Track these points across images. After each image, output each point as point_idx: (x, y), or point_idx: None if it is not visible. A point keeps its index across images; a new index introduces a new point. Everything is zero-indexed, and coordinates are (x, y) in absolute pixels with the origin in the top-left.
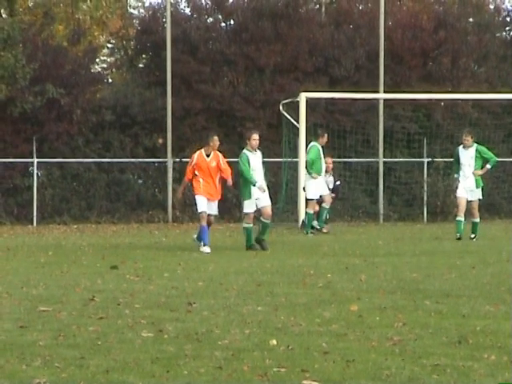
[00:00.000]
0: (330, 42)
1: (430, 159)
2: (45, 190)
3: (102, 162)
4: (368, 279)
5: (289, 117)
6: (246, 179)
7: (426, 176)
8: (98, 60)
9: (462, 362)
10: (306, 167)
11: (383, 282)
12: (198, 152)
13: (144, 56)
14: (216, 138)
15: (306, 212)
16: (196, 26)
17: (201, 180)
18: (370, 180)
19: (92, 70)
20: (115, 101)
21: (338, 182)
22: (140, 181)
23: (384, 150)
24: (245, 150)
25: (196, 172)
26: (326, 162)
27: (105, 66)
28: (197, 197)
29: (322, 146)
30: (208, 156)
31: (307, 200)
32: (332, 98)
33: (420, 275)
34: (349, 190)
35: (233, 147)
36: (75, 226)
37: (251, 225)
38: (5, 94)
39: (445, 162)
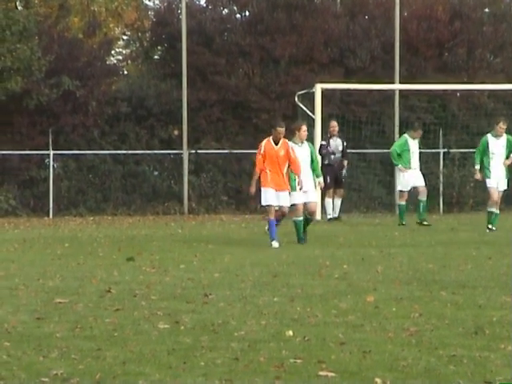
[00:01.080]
0: (346, 32)
1: (445, 150)
2: (61, 182)
3: (118, 154)
4: (384, 270)
5: (304, 108)
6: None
7: (441, 167)
8: (113, 52)
9: (478, 353)
10: (391, 159)
11: (399, 272)
12: (265, 140)
13: (159, 48)
14: (282, 124)
15: (398, 204)
16: (211, 17)
17: (268, 171)
18: (385, 171)
19: (107, 62)
20: (131, 93)
21: (344, 171)
22: (156, 172)
23: None
24: (290, 142)
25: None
26: (330, 126)
27: (120, 57)
28: (263, 189)
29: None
30: (276, 144)
31: (399, 191)
32: (347, 89)
33: (436, 266)
34: (364, 181)
35: (248, 138)
36: (91, 218)
37: (301, 218)
38: (20, 86)
39: (460, 152)
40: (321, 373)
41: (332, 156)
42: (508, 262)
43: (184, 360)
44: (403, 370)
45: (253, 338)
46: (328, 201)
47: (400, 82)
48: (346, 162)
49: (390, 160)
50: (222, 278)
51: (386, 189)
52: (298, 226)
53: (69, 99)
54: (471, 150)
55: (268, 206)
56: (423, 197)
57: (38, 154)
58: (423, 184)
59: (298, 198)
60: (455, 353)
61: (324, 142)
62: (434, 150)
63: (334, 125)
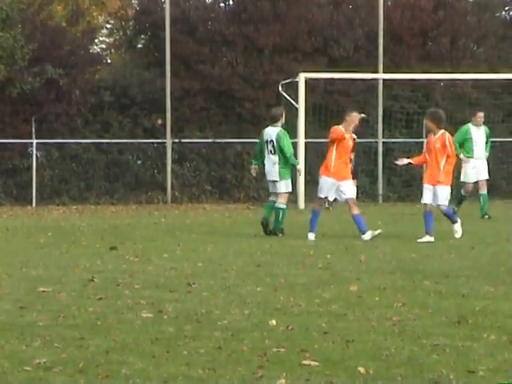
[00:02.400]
0: (329, 22)
1: None
2: (44, 171)
3: (101, 143)
4: (367, 260)
5: (288, 97)
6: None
7: None
8: (96, 40)
9: (461, 342)
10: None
11: (382, 262)
12: (338, 127)
13: (143, 36)
14: (355, 114)
15: (461, 195)
16: (195, 6)
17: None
18: (369, 160)
19: (91, 51)
20: (114, 81)
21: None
22: (139, 161)
23: (383, 131)
24: (280, 128)
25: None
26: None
27: (104, 46)
28: (323, 179)
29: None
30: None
31: (462, 182)
32: (331, 79)
33: (419, 255)
34: None
35: (232, 128)
36: (74, 207)
37: (284, 206)
38: (3, 74)
39: None
40: (304, 362)
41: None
42: (491, 252)
43: (167, 349)
44: (386, 359)
45: (236, 328)
46: None
47: (384, 72)
48: (352, 155)
49: (373, 149)
50: (205, 267)
51: (369, 178)
52: (281, 213)
53: (52, 88)
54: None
55: (320, 198)
56: (483, 190)
57: (20, 143)
58: (485, 177)
59: (289, 186)
60: (438, 342)
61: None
62: (417, 140)
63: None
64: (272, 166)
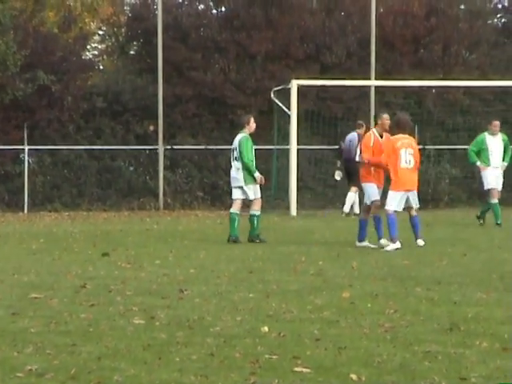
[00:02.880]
0: (322, 28)
1: (421, 146)
2: (36, 177)
3: (93, 149)
4: (360, 266)
5: (280, 104)
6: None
7: None
8: (88, 47)
9: (453, 349)
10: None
11: (375, 269)
12: (370, 133)
13: (135, 43)
14: (385, 116)
15: (491, 202)
16: (187, 12)
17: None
18: None
19: (83, 57)
20: (106, 88)
21: None
22: (131, 168)
23: None
24: (244, 134)
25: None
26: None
27: (96, 52)
28: (367, 185)
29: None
30: (381, 137)
31: (488, 190)
32: (323, 85)
33: (411, 262)
34: (341, 178)
35: (224, 134)
36: (66, 213)
37: (259, 212)
38: None
39: (436, 149)
40: (296, 369)
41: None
42: (483, 259)
43: (159, 355)
44: (378, 366)
45: (228, 334)
46: (351, 195)
47: (376, 78)
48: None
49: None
50: (197, 273)
51: None
52: (255, 220)
53: (44, 94)
54: (446, 147)
55: (374, 201)
56: (494, 200)
57: (12, 149)
58: (499, 187)
59: (258, 192)
60: (430, 349)
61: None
62: None
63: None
64: (236, 172)
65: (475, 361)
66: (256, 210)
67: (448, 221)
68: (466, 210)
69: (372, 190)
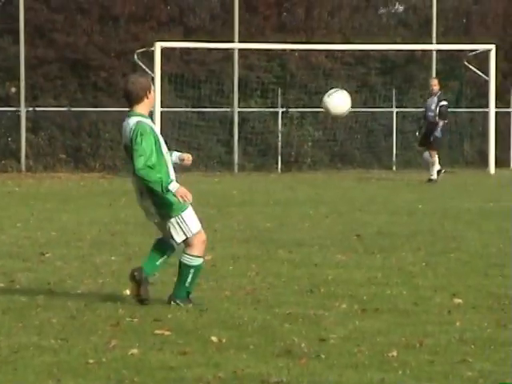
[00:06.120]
0: None
1: (284, 109)
2: None
3: None
4: (222, 229)
5: (144, 66)
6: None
7: (280, 126)
8: None
9: (313, 311)
10: None
11: (237, 231)
12: None
13: None
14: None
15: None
16: None
17: None
18: (224, 130)
19: None
20: None
21: (441, 103)
22: None
23: (239, 100)
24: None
25: None
26: (430, 85)
27: None
28: None
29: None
30: None
31: None
32: (187, 48)
33: (273, 225)
34: (204, 140)
35: (87, 97)
36: None
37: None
38: None
39: (299, 111)
40: (157, 331)
41: (428, 113)
42: (344, 221)
43: (19, 319)
44: (239, 328)
45: (89, 297)
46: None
47: (239, 41)
48: (441, 123)
49: (229, 119)
50: (59, 236)
51: (224, 148)
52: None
53: None
54: (309, 110)
55: None
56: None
57: None
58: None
59: None
60: (291, 311)
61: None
62: (272, 109)
63: (433, 83)
64: None
65: (334, 322)
66: None
67: (310, 183)
68: (328, 172)
69: None
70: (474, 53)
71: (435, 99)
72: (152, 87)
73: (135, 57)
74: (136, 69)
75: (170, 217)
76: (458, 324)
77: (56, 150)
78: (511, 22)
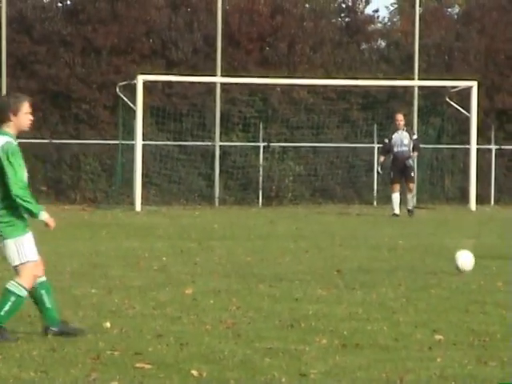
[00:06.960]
0: (168, 24)
1: (265, 143)
2: None
3: None
4: (203, 263)
5: (126, 99)
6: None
7: (261, 160)
8: None
9: (294, 346)
10: None
11: (218, 265)
12: None
13: None
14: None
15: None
16: (32, 5)
17: None
18: (205, 163)
19: None
20: None
21: (414, 137)
22: None
23: (220, 134)
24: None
25: None
26: (396, 120)
27: None
28: None
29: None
30: None
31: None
32: (169, 81)
33: (254, 259)
34: (185, 173)
35: (68, 129)
36: None
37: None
38: None
39: (280, 146)
40: (137, 365)
41: (395, 149)
42: (324, 256)
43: None
44: (220, 362)
45: None
46: (395, 195)
47: (221, 75)
48: (415, 154)
49: (210, 152)
50: None
51: (205, 181)
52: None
53: None
54: (291, 144)
55: None
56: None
57: None
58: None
59: None
60: (271, 345)
61: (386, 140)
62: (254, 144)
63: (400, 118)
64: None
65: (315, 357)
66: None
67: (291, 218)
68: (309, 207)
69: None
70: (455, 89)
71: (405, 134)
72: (22, 109)
73: (117, 89)
74: (118, 101)
75: (10, 238)
76: (438, 360)
77: (37, 181)
78: (493, 59)
